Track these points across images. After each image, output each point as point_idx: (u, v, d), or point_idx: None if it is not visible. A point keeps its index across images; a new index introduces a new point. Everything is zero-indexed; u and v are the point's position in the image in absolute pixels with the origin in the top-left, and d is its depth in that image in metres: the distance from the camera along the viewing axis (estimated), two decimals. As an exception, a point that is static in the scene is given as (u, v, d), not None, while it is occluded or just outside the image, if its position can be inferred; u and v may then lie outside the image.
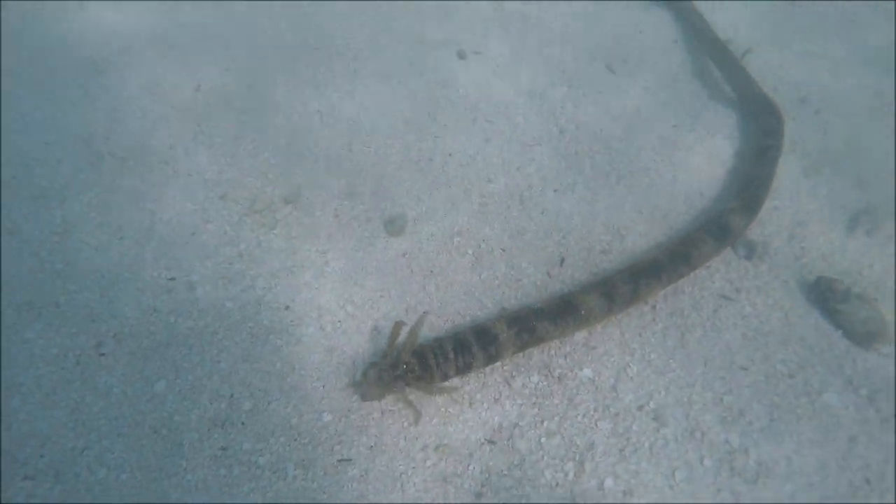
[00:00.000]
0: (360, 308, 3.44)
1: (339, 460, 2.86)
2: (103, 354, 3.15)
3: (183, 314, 3.35)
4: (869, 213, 4.01)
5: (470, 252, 3.77)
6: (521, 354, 3.26)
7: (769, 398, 3.15)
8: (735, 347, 3.36)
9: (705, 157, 4.50)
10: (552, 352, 3.31)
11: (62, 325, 3.25)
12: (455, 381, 3.13)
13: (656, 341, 3.39)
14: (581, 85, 5.10)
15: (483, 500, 2.78)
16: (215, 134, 4.38)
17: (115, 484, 2.74)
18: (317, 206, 3.97)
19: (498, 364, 3.21)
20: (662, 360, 3.30)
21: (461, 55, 5.30)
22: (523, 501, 2.79)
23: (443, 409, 3.06)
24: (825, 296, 3.52)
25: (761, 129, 4.50)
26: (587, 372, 3.25)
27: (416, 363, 2.95)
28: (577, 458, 2.92)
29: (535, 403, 3.11)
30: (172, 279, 3.50)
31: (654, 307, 3.54)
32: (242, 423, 2.96)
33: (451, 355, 2.98)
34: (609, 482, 2.86)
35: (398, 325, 3.08)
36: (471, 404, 3.09)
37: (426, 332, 3.28)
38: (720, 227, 3.68)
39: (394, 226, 3.84)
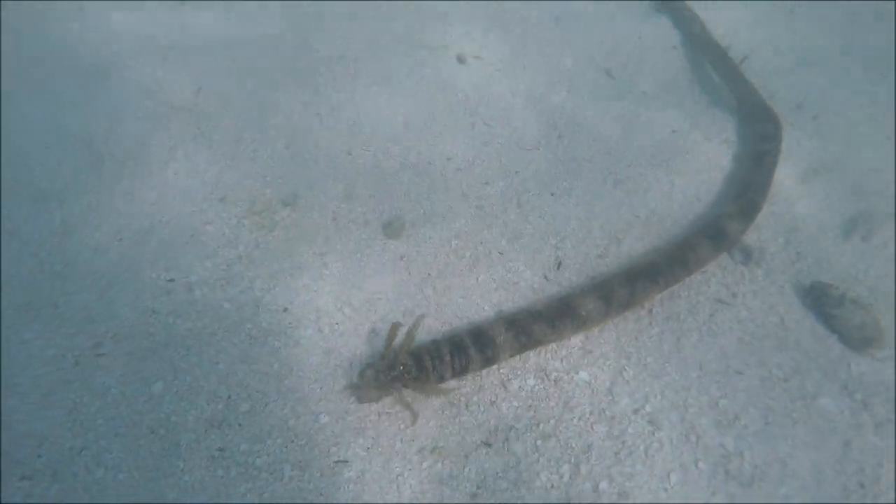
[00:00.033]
0: (357, 310, 3.46)
1: (336, 462, 2.87)
2: (101, 355, 3.17)
3: (181, 315, 3.36)
4: (865, 218, 4.03)
5: (467, 255, 3.79)
6: (517, 357, 3.27)
7: (764, 402, 3.16)
8: (731, 351, 3.37)
9: (703, 162, 4.52)
10: (548, 355, 3.32)
11: (60, 326, 3.27)
12: (451, 383, 3.14)
13: (652, 345, 3.40)
14: (580, 90, 5.13)
15: (478, 502, 2.79)
16: (215, 136, 4.41)
17: (113, 484, 2.75)
18: (315, 208, 3.99)
19: (494, 367, 3.23)
20: (658, 364, 3.31)
21: (461, 59, 5.33)
22: (519, 503, 2.80)
23: (439, 412, 3.07)
24: (821, 301, 3.53)
25: (759, 134, 4.53)
26: (583, 375, 3.26)
27: (412, 364, 2.96)
28: (573, 460, 2.93)
29: (531, 406, 3.12)
30: (171, 280, 3.51)
31: (650, 311, 3.55)
32: (240, 425, 2.97)
33: (448, 357, 2.99)
34: (604, 485, 2.86)
35: (395, 327, 3.09)
36: (467, 406, 3.10)
37: (424, 335, 3.30)
38: (717, 231, 3.70)
39: (392, 228, 3.86)
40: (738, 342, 3.42)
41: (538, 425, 3.05)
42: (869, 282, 3.72)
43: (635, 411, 3.12)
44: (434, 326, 3.42)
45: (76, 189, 3.94)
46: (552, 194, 4.20)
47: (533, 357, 3.30)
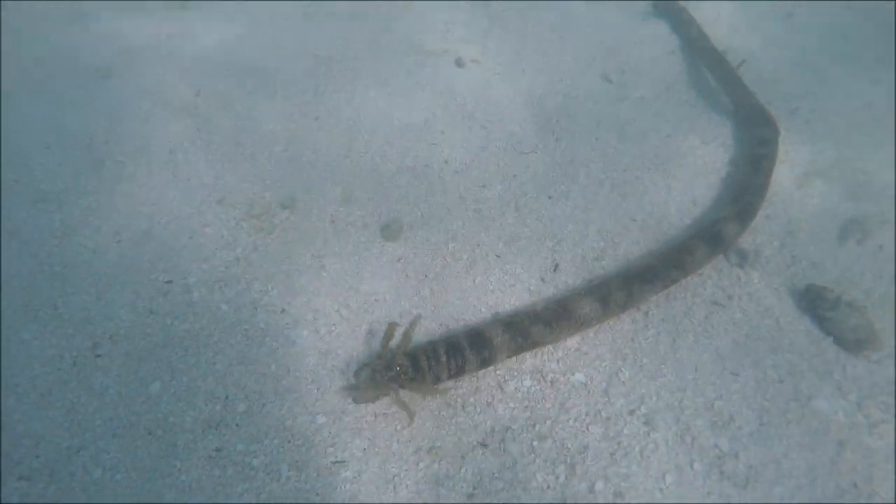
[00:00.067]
0: (354, 312, 3.48)
1: (333, 462, 2.89)
2: (99, 356, 3.18)
3: (179, 316, 3.38)
4: (860, 222, 4.06)
5: (464, 257, 3.81)
6: (514, 359, 3.29)
7: (759, 403, 3.18)
8: (726, 353, 3.39)
9: (699, 166, 4.55)
10: (545, 356, 3.34)
11: (59, 327, 3.28)
12: (448, 384, 3.16)
13: (648, 347, 3.42)
14: (577, 94, 5.17)
15: (475, 502, 2.81)
16: (214, 139, 4.43)
17: (110, 484, 2.76)
18: (313, 211, 4.01)
19: (491, 368, 3.24)
20: (654, 366, 3.33)
21: (459, 63, 5.36)
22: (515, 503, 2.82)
23: (436, 413, 3.09)
24: (815, 303, 3.55)
25: (756, 138, 4.56)
26: (579, 376, 3.27)
27: (408, 365, 2.98)
28: (569, 461, 2.95)
29: (527, 407, 3.13)
30: (169, 282, 3.53)
31: (646, 313, 3.57)
32: (237, 425, 2.98)
33: (444, 358, 3.01)
34: (600, 485, 2.88)
35: (392, 327, 3.11)
36: (464, 407, 3.11)
37: (422, 337, 3.31)
38: (714, 234, 3.72)
39: (389, 231, 3.88)
40: (733, 344, 3.43)
41: (534, 426, 3.06)
42: (864, 285, 3.74)
43: (631, 412, 3.14)
44: (431, 328, 3.43)
45: (76, 190, 3.96)
46: (549, 197, 4.23)
47: (529, 358, 3.32)
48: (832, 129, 4.88)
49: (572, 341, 3.41)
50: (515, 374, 3.26)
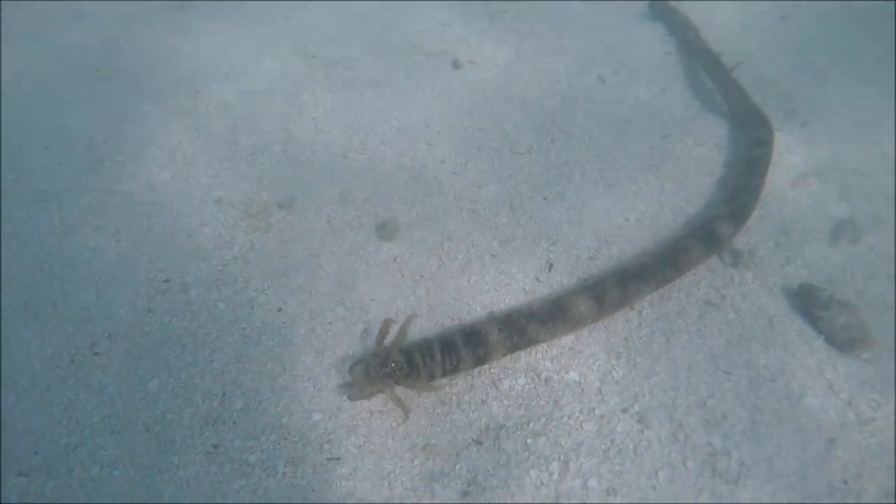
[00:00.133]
0: (350, 311, 3.51)
1: (329, 458, 2.91)
2: (98, 354, 3.21)
3: (177, 315, 3.41)
4: (852, 223, 4.09)
5: (460, 257, 3.84)
6: (508, 357, 3.32)
7: (752, 402, 3.20)
8: (719, 352, 3.42)
9: (693, 167, 4.59)
10: (539, 355, 3.37)
11: (58, 325, 3.31)
12: (442, 382, 3.19)
13: (642, 345, 3.45)
14: (573, 95, 5.20)
15: (469, 499, 2.83)
16: (212, 139, 4.46)
17: (108, 480, 2.79)
18: (311, 210, 4.05)
19: (486, 366, 3.27)
20: (648, 364, 3.36)
21: (456, 64, 5.40)
22: (509, 500, 2.84)
23: (431, 410, 3.12)
24: (808, 302, 3.58)
25: (751, 139, 4.59)
26: (573, 375, 3.30)
27: (403, 362, 3.01)
28: (563, 458, 2.97)
29: (521, 405, 3.16)
30: (167, 281, 3.56)
31: (640, 312, 3.60)
32: (234, 422, 3.01)
33: (438, 356, 3.04)
34: (593, 482, 2.90)
35: (387, 323, 3.14)
36: (458, 405, 3.14)
37: (417, 336, 3.34)
38: (709, 233, 3.75)
39: (385, 231, 3.91)
40: (726, 343, 3.46)
41: (528, 424, 3.09)
42: (856, 284, 3.78)
43: (624, 410, 3.17)
44: (427, 327, 3.46)
45: (75, 190, 4.00)
46: (544, 198, 4.26)
47: (524, 357, 3.35)
48: (828, 129, 4.92)
49: (566, 340, 3.44)
50: (510, 372, 3.29)
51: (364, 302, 3.56)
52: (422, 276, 3.73)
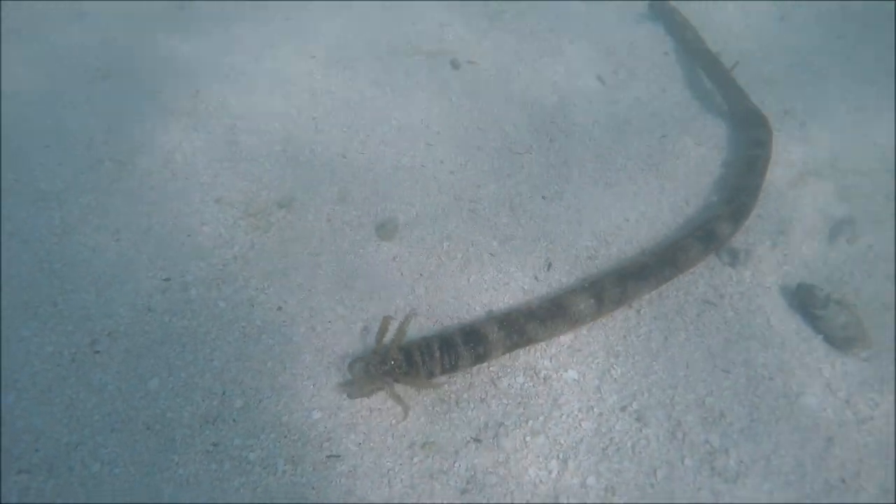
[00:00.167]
0: (350, 309, 3.52)
1: (328, 456, 2.93)
2: (98, 352, 3.22)
3: (177, 314, 3.42)
4: (850, 222, 4.11)
5: (459, 256, 3.85)
6: (507, 356, 3.33)
7: (749, 400, 3.22)
8: (717, 351, 3.43)
9: (692, 166, 4.60)
10: (538, 353, 3.38)
11: (58, 324, 3.32)
12: (441, 379, 3.20)
13: (640, 344, 3.46)
14: (572, 95, 5.21)
15: (468, 497, 2.85)
16: (212, 139, 4.47)
17: (109, 478, 2.80)
18: (310, 210, 4.06)
19: (485, 365, 3.29)
20: (646, 363, 3.37)
21: (455, 64, 5.41)
22: (507, 499, 2.85)
23: (430, 408, 3.13)
24: (806, 302, 3.60)
25: (750, 139, 4.61)
26: (572, 373, 3.32)
27: (402, 360, 3.02)
28: (561, 456, 2.99)
29: (520, 403, 3.18)
30: (167, 280, 3.57)
31: (638, 311, 3.62)
32: (234, 420, 3.02)
33: (437, 354, 3.05)
34: (591, 480, 2.92)
35: (386, 320, 3.15)
36: (457, 403, 3.16)
37: (417, 335, 3.35)
38: (707, 232, 3.76)
39: (385, 230, 3.92)
40: (724, 342, 3.48)
41: (527, 422, 3.10)
42: (854, 283, 3.79)
43: (623, 408, 3.18)
44: (426, 326, 3.48)
45: (75, 189, 4.01)
46: (544, 197, 4.27)
47: (523, 355, 3.36)
48: (827, 129, 4.93)
49: (565, 338, 3.45)
50: (509, 370, 3.30)
51: (363, 301, 3.57)
52: (421, 274, 3.74)
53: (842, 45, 5.85)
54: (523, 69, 5.46)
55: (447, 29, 5.83)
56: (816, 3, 6.32)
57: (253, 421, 3.03)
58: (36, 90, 4.74)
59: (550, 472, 2.94)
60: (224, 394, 3.11)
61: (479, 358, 3.15)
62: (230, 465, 2.87)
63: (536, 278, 3.77)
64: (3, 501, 2.69)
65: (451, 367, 3.09)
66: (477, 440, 3.03)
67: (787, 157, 4.66)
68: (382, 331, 3.13)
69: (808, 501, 2.87)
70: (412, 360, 3.02)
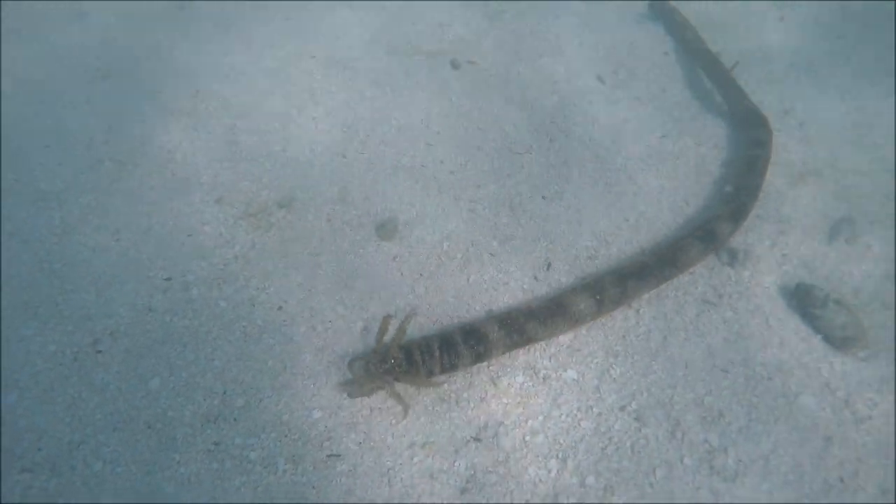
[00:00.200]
0: (350, 309, 3.53)
1: (329, 455, 2.94)
2: (100, 352, 3.23)
3: (178, 313, 3.43)
4: (849, 222, 4.11)
5: (459, 256, 3.86)
6: (507, 355, 3.34)
7: (748, 399, 3.23)
8: (716, 350, 3.44)
9: (692, 166, 4.61)
10: (537, 353, 3.39)
11: (60, 324, 3.33)
12: (441, 378, 3.21)
13: (639, 344, 3.47)
14: (572, 95, 5.22)
15: (468, 496, 2.86)
16: (212, 139, 4.48)
17: (111, 477, 2.81)
18: (310, 210, 4.07)
19: (484, 364, 3.30)
20: (645, 363, 3.38)
21: (455, 65, 5.41)
22: (507, 498, 2.86)
23: (430, 408, 3.14)
24: (805, 302, 3.61)
25: (750, 139, 4.62)
26: (571, 373, 3.33)
27: (402, 358, 3.03)
28: (560, 455, 3.00)
29: (519, 403, 3.19)
30: (168, 279, 3.58)
31: (637, 311, 3.63)
32: (235, 419, 3.04)
33: (437, 353, 3.06)
34: (591, 479, 2.93)
35: (387, 319, 3.16)
36: (457, 403, 3.17)
37: (417, 334, 3.36)
38: (707, 232, 3.78)
39: (385, 230, 3.93)
40: (723, 341, 3.49)
41: (527, 421, 3.12)
42: (853, 283, 3.80)
43: (622, 408, 3.19)
44: (426, 325, 3.49)
45: (76, 189, 4.01)
46: (543, 197, 4.28)
47: (522, 355, 3.37)
48: (827, 129, 4.94)
49: (564, 338, 3.46)
50: (508, 370, 3.31)
51: (364, 300, 3.58)
52: (421, 274, 3.75)
53: (841, 45, 5.85)
54: (523, 69, 5.47)
55: (447, 29, 5.84)
56: (816, 4, 6.33)
57: (254, 420, 3.04)
58: (36, 90, 4.75)
59: (550, 472, 2.95)
60: (225, 393, 3.13)
61: (479, 357, 3.16)
62: (231, 464, 2.89)
63: (536, 278, 3.78)
64: (5, 500, 2.70)
65: (451, 366, 3.10)
66: (477, 439, 3.04)
67: (786, 157, 4.67)
68: (383, 330, 3.14)
69: (807, 501, 2.89)
70: (412, 358, 3.04)
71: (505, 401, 3.19)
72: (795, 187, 4.44)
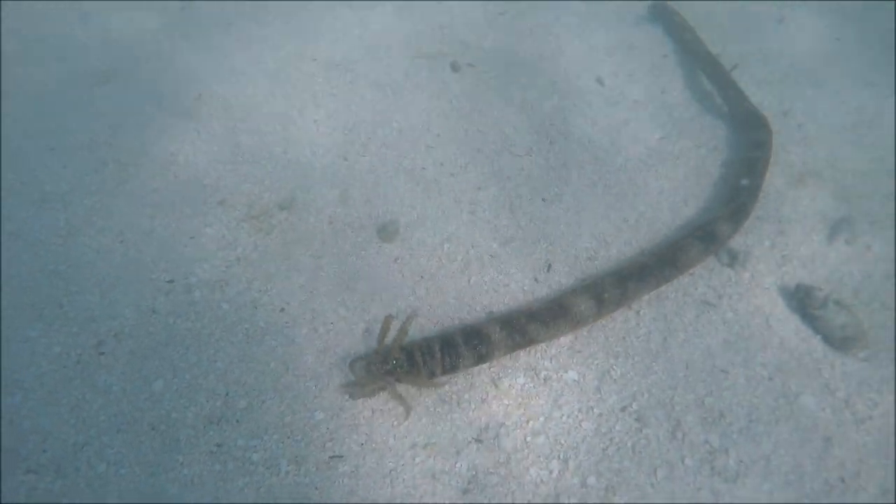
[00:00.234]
0: (352, 311, 3.55)
1: (331, 457, 2.96)
2: (103, 354, 3.25)
3: (181, 315, 3.45)
4: (849, 222, 4.12)
5: (459, 258, 3.88)
6: (508, 356, 3.36)
7: (749, 400, 3.25)
8: (716, 351, 3.46)
9: (691, 168, 4.62)
10: (538, 354, 3.41)
11: (64, 325, 3.35)
12: (442, 379, 3.23)
13: (640, 345, 3.49)
14: (571, 97, 5.23)
15: (469, 497, 2.87)
16: (214, 141, 4.50)
17: (115, 478, 2.83)
18: (312, 212, 4.09)
19: (486, 365, 3.31)
20: (646, 363, 3.40)
21: (455, 67, 5.43)
22: (508, 499, 2.88)
23: (431, 409, 3.16)
24: (804, 302, 3.62)
25: (750, 141, 4.63)
26: (572, 374, 3.34)
27: (404, 359, 3.05)
28: (562, 456, 3.02)
29: (520, 404, 3.20)
30: (171, 281, 3.60)
31: (638, 312, 3.64)
32: (237, 421, 3.05)
33: (438, 354, 3.08)
34: (592, 480, 2.95)
35: (388, 320, 3.18)
36: (459, 404, 3.18)
37: (418, 336, 3.38)
38: (707, 233, 3.79)
39: (386, 232, 3.95)
40: (723, 342, 3.50)
41: (528, 422, 3.13)
42: (853, 283, 3.81)
43: (623, 409, 3.21)
44: (427, 326, 3.50)
45: (79, 192, 4.04)
46: (543, 199, 4.30)
47: (523, 356, 3.39)
48: (826, 130, 4.95)
49: (565, 339, 3.48)
50: (509, 371, 3.33)
51: (365, 302, 3.60)
52: (422, 276, 3.77)
53: (841, 47, 5.86)
54: (523, 71, 5.48)
55: (447, 31, 5.85)
56: (815, 5, 6.33)
57: (256, 422, 3.06)
58: (38, 91, 4.77)
59: (551, 472, 2.97)
60: (228, 395, 3.14)
61: (481, 358, 3.18)
62: (234, 466, 2.90)
63: (536, 280, 3.80)
64: (10, 502, 2.72)
65: (452, 367, 3.12)
66: (478, 440, 3.06)
67: (786, 158, 4.68)
68: (384, 331, 3.16)
69: (807, 501, 2.90)
70: (413, 359, 3.06)
71: (506, 402, 3.21)
72: (795, 188, 4.45)
